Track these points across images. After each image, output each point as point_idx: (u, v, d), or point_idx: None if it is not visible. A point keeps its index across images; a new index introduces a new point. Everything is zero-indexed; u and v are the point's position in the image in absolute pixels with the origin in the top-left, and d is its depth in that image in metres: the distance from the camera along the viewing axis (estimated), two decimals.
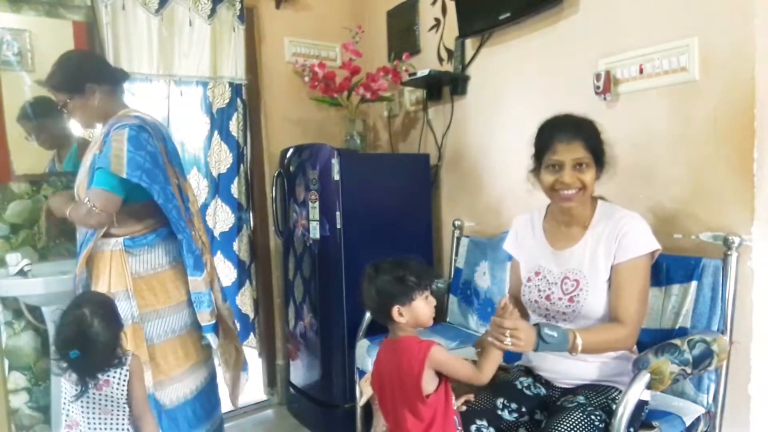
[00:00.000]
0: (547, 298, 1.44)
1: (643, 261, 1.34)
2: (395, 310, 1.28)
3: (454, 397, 1.34)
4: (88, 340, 1.34)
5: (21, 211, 2.11)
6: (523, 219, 1.61)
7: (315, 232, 2.31)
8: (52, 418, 2.08)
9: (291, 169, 2.49)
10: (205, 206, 2.51)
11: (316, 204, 2.29)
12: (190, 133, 2.49)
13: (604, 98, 1.78)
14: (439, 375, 1.28)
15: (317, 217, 2.30)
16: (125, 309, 1.67)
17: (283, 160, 2.56)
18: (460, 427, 1.32)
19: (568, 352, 1.27)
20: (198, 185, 2.50)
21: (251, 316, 2.70)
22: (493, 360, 1.28)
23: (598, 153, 1.37)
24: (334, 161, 2.23)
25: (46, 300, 1.98)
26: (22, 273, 1.95)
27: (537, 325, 1.26)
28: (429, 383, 1.26)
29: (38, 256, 2.14)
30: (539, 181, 1.44)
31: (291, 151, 2.51)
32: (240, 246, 2.62)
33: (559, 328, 1.27)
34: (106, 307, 1.42)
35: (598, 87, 1.78)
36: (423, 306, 1.30)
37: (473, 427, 1.35)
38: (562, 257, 1.45)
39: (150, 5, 2.28)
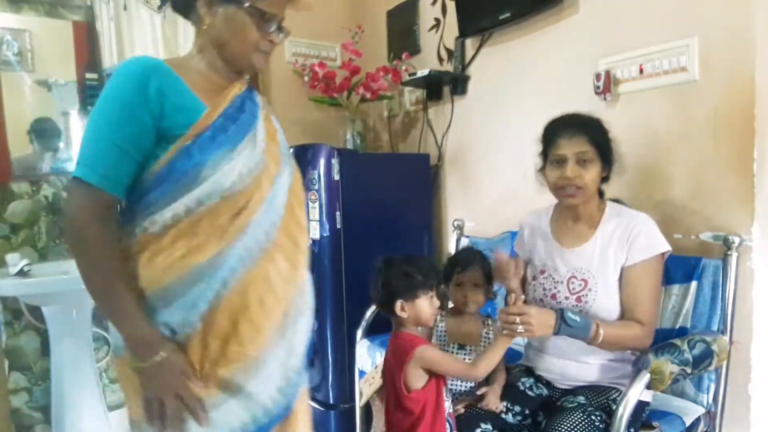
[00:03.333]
0: (553, 297, 1.44)
1: (655, 262, 1.35)
2: (398, 304, 1.30)
3: (449, 400, 1.34)
4: None
5: (21, 211, 2.11)
6: (531, 218, 1.61)
7: (315, 232, 2.31)
8: (52, 418, 2.08)
9: None
10: None
11: (316, 204, 2.29)
12: None
13: (604, 98, 1.78)
14: (430, 373, 1.29)
15: (317, 217, 2.30)
16: None
17: None
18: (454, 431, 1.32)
19: (588, 343, 1.28)
20: None
21: None
22: (491, 357, 1.28)
23: (603, 149, 1.38)
24: (334, 161, 2.23)
25: (46, 300, 1.98)
26: (22, 273, 1.95)
27: (560, 310, 1.26)
28: (415, 380, 1.27)
29: (38, 256, 2.14)
30: (546, 179, 1.44)
31: (291, 151, 2.51)
32: None
33: (583, 315, 1.27)
34: None
35: (598, 87, 1.77)
36: (426, 305, 1.31)
37: (478, 431, 1.34)
38: (570, 256, 1.45)
39: (152, 3, 2.28)
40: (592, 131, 1.37)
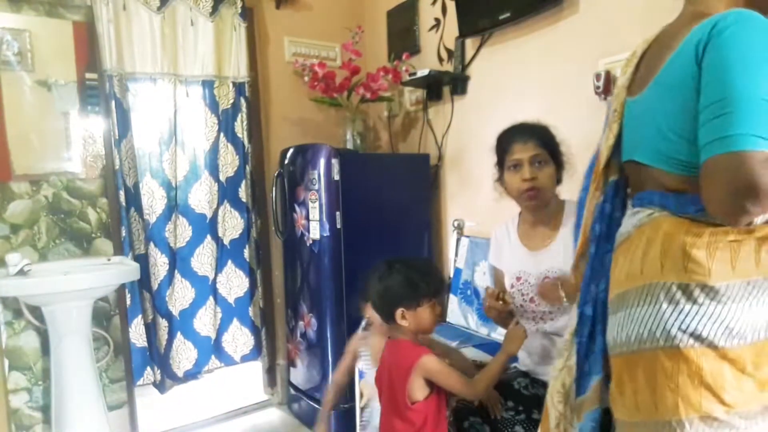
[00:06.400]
0: (531, 300, 1.46)
1: None
2: (399, 312, 1.27)
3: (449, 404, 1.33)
4: None
5: (21, 211, 2.11)
6: (500, 229, 1.64)
7: (315, 232, 2.31)
8: (52, 418, 2.08)
9: (291, 169, 2.49)
10: (215, 213, 2.51)
11: (316, 204, 2.29)
12: (198, 135, 2.47)
13: (604, 98, 1.78)
14: (431, 384, 1.27)
15: (317, 217, 2.29)
16: None
17: (283, 160, 2.56)
18: None
19: None
20: (210, 190, 2.49)
21: (260, 327, 2.67)
22: (491, 374, 1.27)
23: (554, 152, 1.44)
24: (334, 161, 2.23)
25: (46, 300, 1.98)
26: (22, 273, 1.95)
27: None
28: (417, 390, 1.25)
29: (38, 256, 2.14)
30: (506, 187, 1.49)
31: (291, 151, 2.51)
32: (249, 252, 2.61)
33: None
34: None
35: (598, 87, 1.77)
36: (428, 313, 1.28)
37: (466, 423, 1.35)
38: (539, 258, 1.47)
39: (151, 3, 2.28)
40: (542, 135, 1.44)
